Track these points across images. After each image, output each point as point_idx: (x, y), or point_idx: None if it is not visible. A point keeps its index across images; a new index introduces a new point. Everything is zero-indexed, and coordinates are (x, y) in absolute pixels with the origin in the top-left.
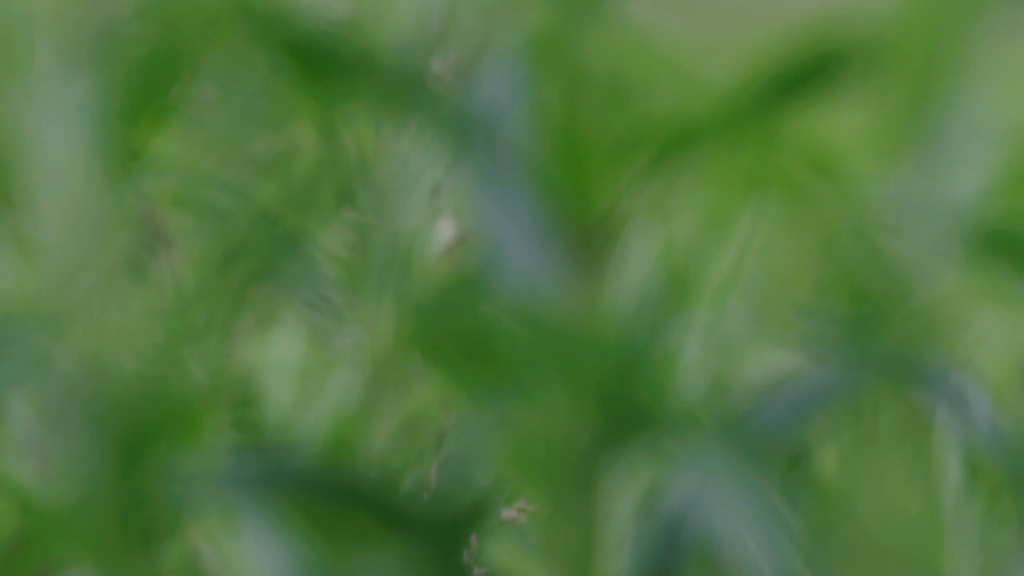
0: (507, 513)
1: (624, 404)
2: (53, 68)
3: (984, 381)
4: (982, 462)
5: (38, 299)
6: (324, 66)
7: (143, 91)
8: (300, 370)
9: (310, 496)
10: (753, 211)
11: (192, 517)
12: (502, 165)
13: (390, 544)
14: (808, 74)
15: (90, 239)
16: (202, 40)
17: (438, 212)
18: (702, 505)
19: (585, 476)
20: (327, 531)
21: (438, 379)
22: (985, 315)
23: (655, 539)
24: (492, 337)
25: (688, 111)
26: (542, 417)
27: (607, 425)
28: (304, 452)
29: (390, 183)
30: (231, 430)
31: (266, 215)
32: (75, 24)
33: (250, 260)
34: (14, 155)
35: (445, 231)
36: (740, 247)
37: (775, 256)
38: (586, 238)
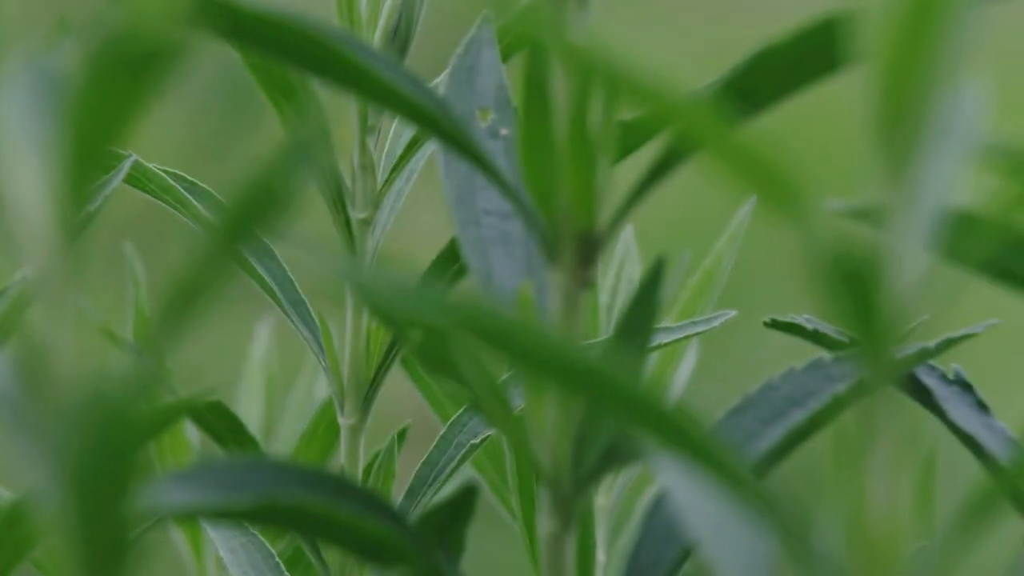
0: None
1: (608, 411)
2: (24, 61)
3: (976, 378)
4: (975, 459)
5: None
6: (301, 59)
7: (118, 86)
8: (275, 377)
9: (287, 504)
10: (740, 210)
11: (162, 530)
12: (481, 165)
13: (371, 550)
14: (789, 70)
15: (59, 239)
16: (177, 31)
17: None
18: (681, 513)
19: (570, 483)
20: (304, 538)
21: (417, 384)
22: (976, 313)
23: (642, 547)
24: (472, 342)
25: (668, 112)
26: (524, 425)
27: (591, 433)
28: (279, 461)
29: (375, 180)
30: (204, 440)
31: (237, 215)
32: (48, 17)
33: (223, 262)
34: None
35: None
36: (727, 247)
37: (762, 256)
38: (569, 243)
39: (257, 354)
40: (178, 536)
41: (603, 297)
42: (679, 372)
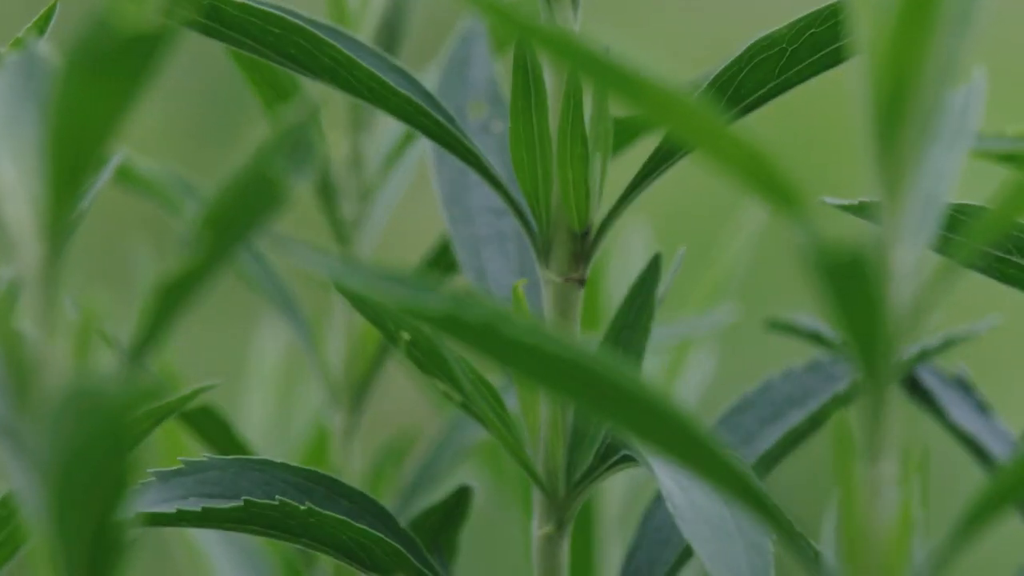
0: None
1: (599, 412)
2: (6, 58)
3: (979, 377)
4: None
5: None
6: (288, 53)
7: (99, 80)
8: (276, 380)
9: (272, 508)
10: (741, 210)
11: (153, 534)
12: (472, 162)
13: (363, 554)
14: (784, 64)
15: (46, 238)
16: (160, 25)
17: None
18: (677, 516)
19: (563, 486)
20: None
21: (416, 383)
22: (981, 308)
23: (639, 550)
24: (468, 342)
25: (663, 108)
26: (517, 427)
27: (586, 435)
28: (267, 464)
29: (365, 177)
30: (205, 444)
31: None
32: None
33: (210, 260)
34: None
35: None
36: (741, 249)
37: (764, 255)
38: (562, 241)
39: (262, 353)
40: (174, 536)
41: (599, 298)
42: (695, 374)
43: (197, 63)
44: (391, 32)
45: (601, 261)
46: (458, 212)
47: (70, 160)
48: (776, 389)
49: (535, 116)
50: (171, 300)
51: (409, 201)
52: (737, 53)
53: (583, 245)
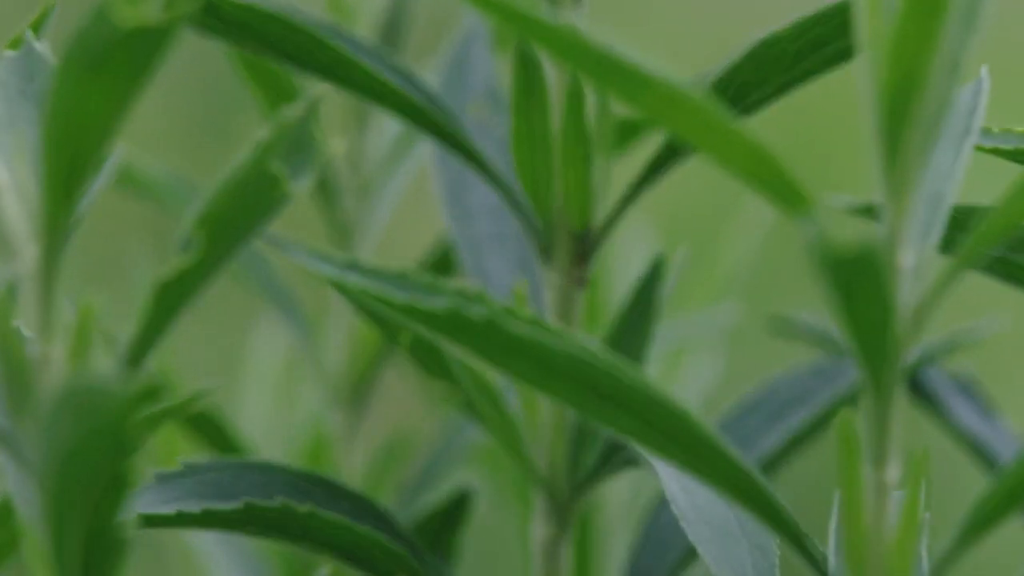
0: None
1: (606, 411)
2: (3, 58)
3: (984, 379)
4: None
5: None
6: (288, 52)
7: (96, 79)
8: (276, 380)
9: (272, 509)
10: (745, 210)
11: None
12: (473, 161)
13: (363, 555)
14: (789, 63)
15: (45, 240)
16: (158, 23)
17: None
18: (680, 517)
19: (566, 487)
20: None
21: (415, 383)
22: (980, 313)
23: (643, 551)
24: (467, 342)
25: (668, 106)
26: (518, 427)
27: (588, 435)
28: (267, 465)
29: (368, 178)
30: (203, 445)
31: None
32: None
33: (208, 260)
34: None
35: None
36: (743, 249)
37: (767, 256)
38: (564, 241)
39: (261, 354)
40: (171, 538)
41: (602, 297)
42: (699, 375)
43: (195, 60)
44: (392, 30)
45: (603, 261)
46: (458, 212)
47: (68, 160)
48: (780, 390)
49: (536, 115)
50: (169, 300)
51: (409, 201)
52: (739, 53)
53: (585, 245)
